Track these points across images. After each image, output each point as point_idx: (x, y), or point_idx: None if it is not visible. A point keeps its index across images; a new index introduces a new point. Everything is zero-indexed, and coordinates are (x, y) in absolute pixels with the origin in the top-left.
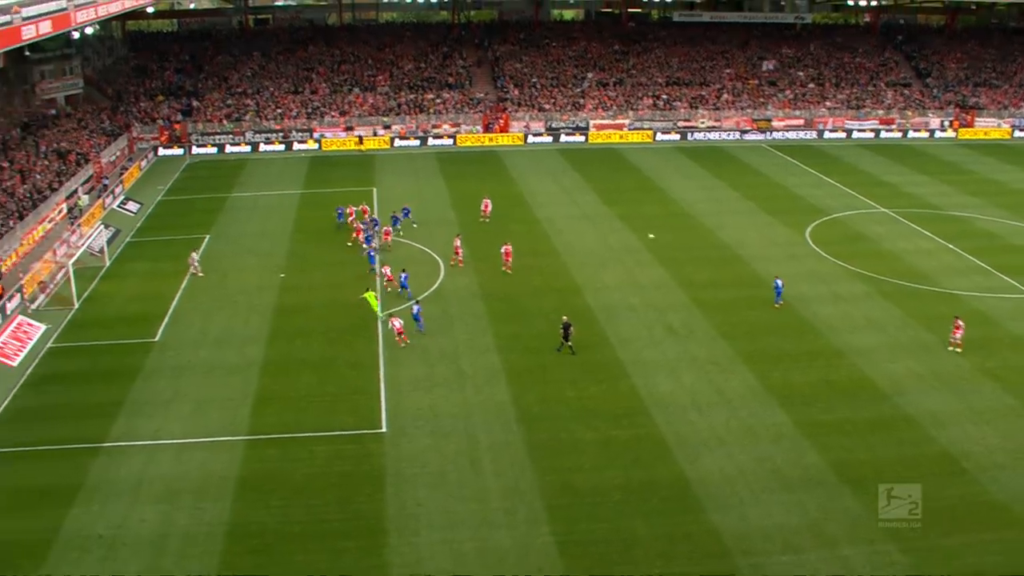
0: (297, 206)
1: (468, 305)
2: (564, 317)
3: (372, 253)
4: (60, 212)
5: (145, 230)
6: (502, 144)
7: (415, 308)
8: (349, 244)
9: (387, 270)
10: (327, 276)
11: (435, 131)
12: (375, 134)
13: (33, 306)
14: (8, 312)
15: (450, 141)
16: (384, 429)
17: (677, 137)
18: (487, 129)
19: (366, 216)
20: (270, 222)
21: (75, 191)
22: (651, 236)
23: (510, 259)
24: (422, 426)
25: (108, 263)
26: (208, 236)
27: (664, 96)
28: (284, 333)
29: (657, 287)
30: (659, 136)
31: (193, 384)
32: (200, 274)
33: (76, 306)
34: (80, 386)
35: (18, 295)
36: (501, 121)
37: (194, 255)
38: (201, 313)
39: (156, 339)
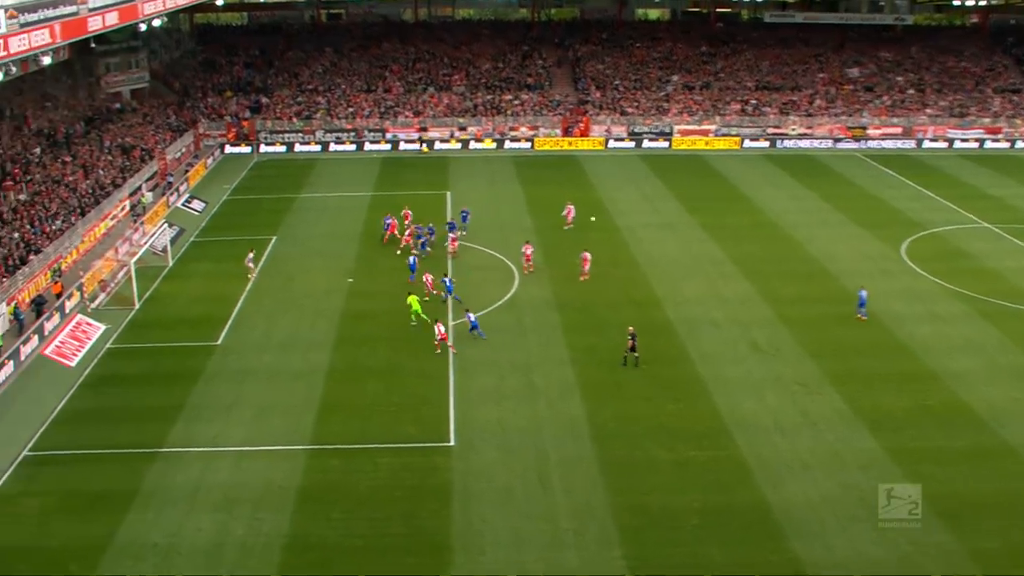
0: (367, 208)
1: (542, 315)
2: (630, 328)
3: (414, 261)
4: (123, 209)
5: (210, 230)
6: (582, 149)
7: (470, 316)
8: (398, 252)
9: (428, 278)
10: (396, 282)
11: (512, 134)
12: (451, 136)
13: (93, 305)
14: (67, 311)
15: (527, 144)
16: (451, 442)
17: (766, 144)
18: (566, 133)
19: (408, 220)
20: (339, 224)
21: (139, 188)
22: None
23: (587, 267)
24: (490, 440)
25: (171, 263)
26: (275, 237)
27: (753, 101)
28: (350, 339)
29: (741, 301)
30: (747, 143)
31: (255, 390)
32: (252, 276)
33: (137, 306)
34: (139, 389)
35: (78, 294)
36: (581, 124)
37: (250, 256)
38: (265, 316)
39: (218, 342)
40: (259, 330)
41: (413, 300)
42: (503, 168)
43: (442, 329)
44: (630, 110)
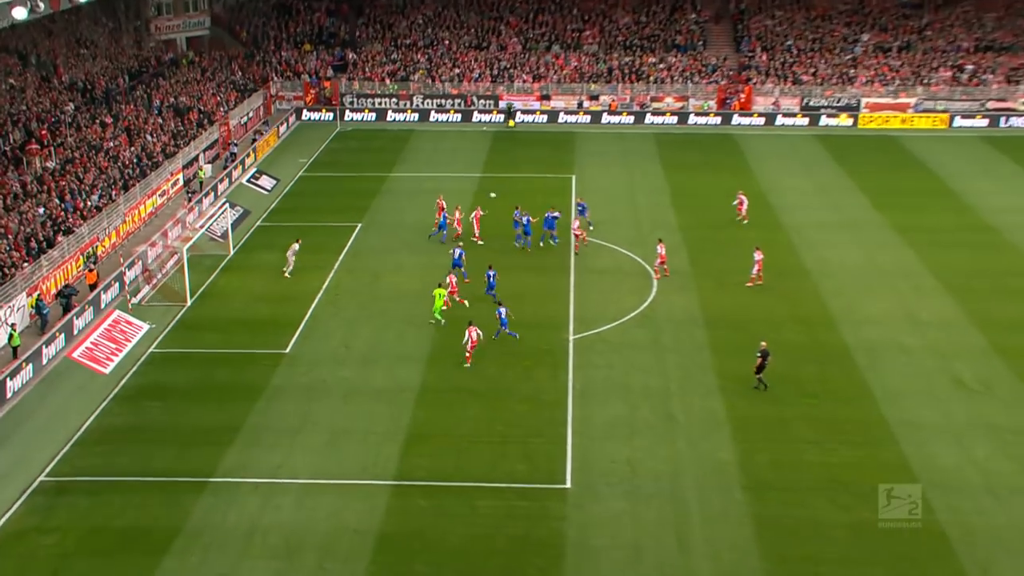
0: (473, 194)
1: (685, 331)
2: (763, 343)
3: (459, 254)
4: (175, 184)
5: (280, 212)
6: (741, 125)
7: (501, 312)
8: (459, 240)
9: (452, 279)
10: (507, 284)
11: (655, 105)
12: (579, 106)
13: (135, 300)
14: (102, 306)
15: (674, 119)
16: (567, 484)
17: (984, 123)
18: (723, 105)
19: (441, 209)
20: (427, 210)
21: (195, 159)
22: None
23: (759, 269)
24: (616, 485)
25: (232, 252)
26: (359, 225)
27: (969, 66)
28: (448, 353)
29: (942, 325)
30: (958, 121)
31: (329, 411)
32: (287, 272)
33: (188, 303)
34: (186, 404)
35: (116, 285)
36: (742, 95)
37: (295, 247)
38: (345, 322)
39: (286, 351)
40: (336, 338)
41: (439, 293)
42: (642, 147)
43: (475, 335)
44: (805, 78)
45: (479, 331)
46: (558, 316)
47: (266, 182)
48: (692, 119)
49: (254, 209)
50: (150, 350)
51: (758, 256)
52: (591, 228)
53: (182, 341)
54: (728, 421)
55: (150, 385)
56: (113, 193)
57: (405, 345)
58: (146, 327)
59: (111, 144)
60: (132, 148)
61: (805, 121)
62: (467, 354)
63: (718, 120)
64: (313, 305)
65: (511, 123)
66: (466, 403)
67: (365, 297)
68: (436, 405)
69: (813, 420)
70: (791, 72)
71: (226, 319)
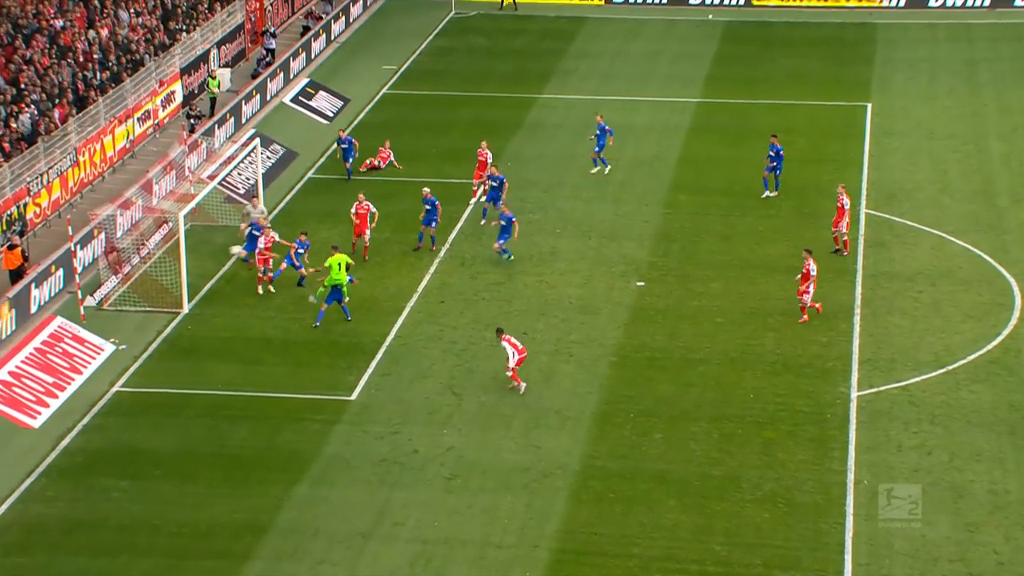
0: (686, 133)
1: None
2: None
3: (504, 247)
4: (167, 102)
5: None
6: None
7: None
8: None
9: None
10: (734, 289)
11: None
12: None
13: (91, 301)
14: (32, 310)
15: None
16: None
17: None
18: None
19: (485, 171)
20: (621, 164)
21: (202, 58)
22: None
23: None
24: None
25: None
26: (480, 188)
27: None
28: (632, 405)
29: None
30: None
31: (421, 504)
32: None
33: (185, 309)
34: (174, 486)
35: (58, 274)
36: None
37: (360, 204)
38: (452, 350)
39: (351, 397)
40: (437, 377)
41: (336, 262)
42: (1007, 49)
43: (514, 354)
44: None
45: (517, 345)
46: (831, 354)
47: (325, 103)
48: None
49: (302, 150)
50: (114, 389)
51: None
52: (603, 169)
53: (170, 374)
54: None
55: (111, 451)
56: (57, 114)
57: (559, 393)
58: (109, 348)
59: (55, 26)
60: (93, 35)
61: None
62: (509, 370)
63: None
64: (400, 319)
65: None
66: (657, 500)
67: (490, 307)
68: (605, 503)
69: None
70: None
71: (247, 339)
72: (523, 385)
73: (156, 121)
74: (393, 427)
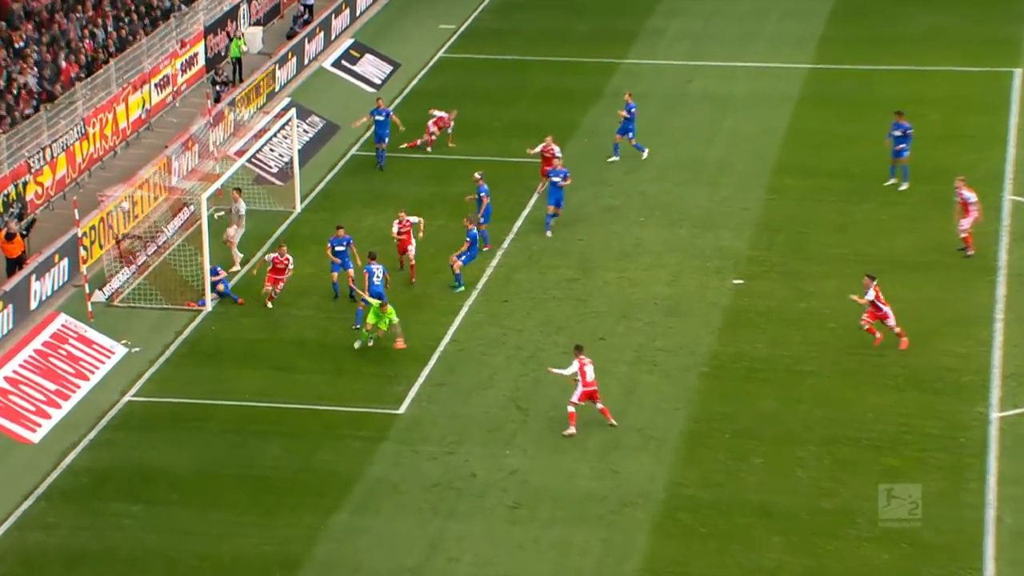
0: (795, 104)
1: None
2: None
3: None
4: (187, 66)
5: (400, 129)
6: None
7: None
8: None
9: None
10: (850, 289)
11: None
12: None
13: (100, 296)
14: (33, 306)
15: None
16: None
17: None
18: None
19: (552, 156)
20: (718, 141)
21: (229, 15)
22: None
23: None
24: None
25: (299, 206)
26: (558, 156)
27: None
28: (728, 424)
29: None
30: None
31: (479, 539)
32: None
33: (208, 306)
34: (194, 512)
35: (63, 265)
36: None
37: (407, 219)
38: (518, 356)
39: (399, 411)
40: (499, 388)
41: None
42: None
43: (579, 382)
44: None
45: (590, 370)
46: (967, 367)
47: (371, 68)
48: None
49: (345, 123)
50: (125, 398)
51: None
52: (640, 152)
53: (190, 382)
54: None
55: (121, 470)
56: (60, 79)
57: (638, 407)
58: (120, 351)
59: None
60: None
61: None
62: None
63: None
64: (457, 320)
65: None
66: (758, 537)
67: (562, 307)
68: (695, 539)
69: None
70: None
71: (279, 341)
72: (573, 429)
73: (175, 88)
74: (448, 446)
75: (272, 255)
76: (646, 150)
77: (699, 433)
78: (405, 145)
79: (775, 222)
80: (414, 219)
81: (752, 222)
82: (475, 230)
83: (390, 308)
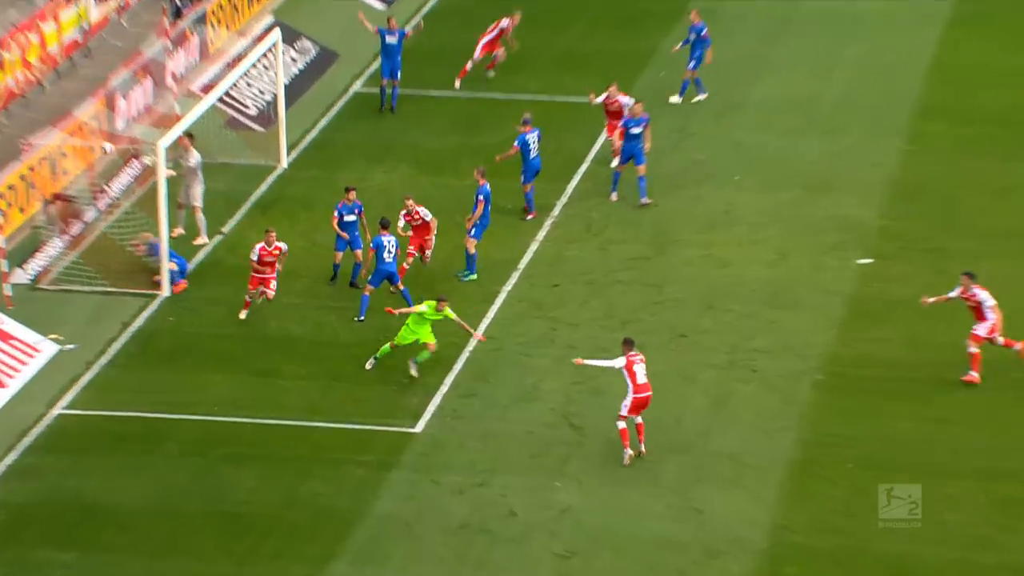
0: (943, 26)
1: None
2: None
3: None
4: None
5: (411, 57)
6: None
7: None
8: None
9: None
10: (1017, 272)
11: None
12: None
13: (23, 275)
14: None
15: None
16: None
17: None
18: None
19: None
20: (837, 75)
21: None
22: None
23: None
24: None
25: (285, 160)
26: (627, 105)
27: None
28: (851, 451)
29: None
30: None
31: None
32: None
33: (167, 291)
34: (142, 561)
35: None
36: None
37: (416, 209)
38: (576, 355)
39: (415, 429)
40: (548, 401)
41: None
42: None
43: (629, 388)
44: None
45: (642, 371)
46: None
47: None
48: None
49: (344, 50)
50: (55, 411)
51: None
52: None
53: (141, 390)
54: None
55: (49, 506)
56: None
57: (729, 426)
58: (49, 349)
59: None
60: None
61: None
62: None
63: None
64: (492, 311)
65: None
66: None
67: (629, 294)
68: None
69: None
70: None
71: (258, 337)
72: (628, 453)
73: (122, 1)
74: (478, 476)
75: (258, 245)
76: (705, 92)
77: (812, 462)
78: (458, 83)
79: (915, 183)
80: (426, 214)
81: (883, 183)
82: (487, 185)
83: (447, 307)
